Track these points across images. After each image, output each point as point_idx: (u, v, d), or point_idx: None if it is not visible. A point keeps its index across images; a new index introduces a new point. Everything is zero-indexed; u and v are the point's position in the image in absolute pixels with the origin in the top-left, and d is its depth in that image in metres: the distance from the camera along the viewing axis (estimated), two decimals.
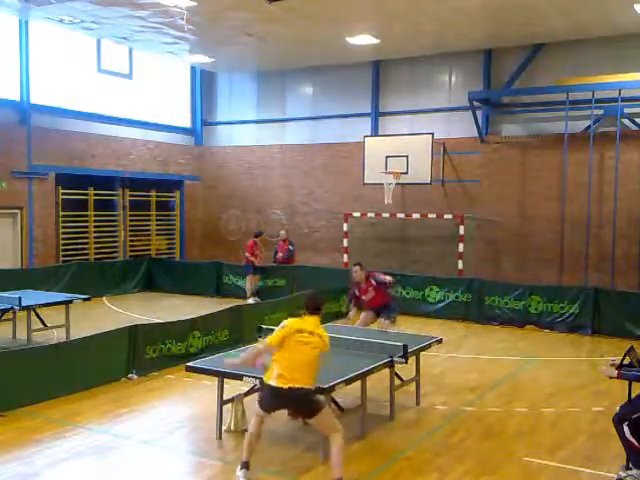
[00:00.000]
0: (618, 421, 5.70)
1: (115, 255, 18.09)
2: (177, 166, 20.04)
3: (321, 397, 5.84)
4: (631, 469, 5.74)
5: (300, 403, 5.61)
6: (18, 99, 15.79)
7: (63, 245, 16.80)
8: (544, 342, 11.97)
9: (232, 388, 7.26)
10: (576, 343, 11.91)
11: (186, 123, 20.73)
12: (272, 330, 5.93)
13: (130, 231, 18.62)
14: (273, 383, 5.50)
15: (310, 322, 5.75)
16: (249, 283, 15.81)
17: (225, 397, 6.95)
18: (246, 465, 5.68)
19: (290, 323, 5.75)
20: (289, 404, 5.75)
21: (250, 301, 14.80)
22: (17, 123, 15.72)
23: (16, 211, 15.75)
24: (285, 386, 5.45)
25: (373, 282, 9.88)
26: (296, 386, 5.45)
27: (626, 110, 14.78)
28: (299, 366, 5.51)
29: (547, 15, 13.45)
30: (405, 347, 7.11)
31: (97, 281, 15.90)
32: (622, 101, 14.44)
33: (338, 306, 13.66)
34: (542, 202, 15.98)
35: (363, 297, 10.01)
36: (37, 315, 10.81)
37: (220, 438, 6.84)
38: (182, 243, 20.31)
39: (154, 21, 14.38)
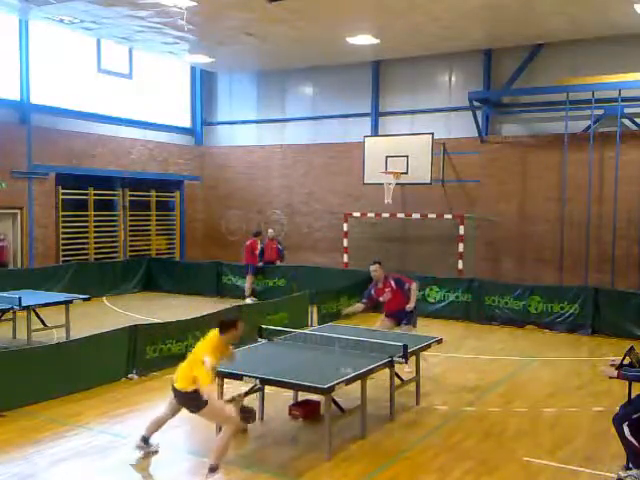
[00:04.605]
0: (618, 421, 5.70)
1: (115, 255, 18.09)
2: (177, 166, 20.04)
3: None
4: (631, 469, 5.74)
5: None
6: (18, 99, 15.79)
7: (63, 245, 16.80)
8: (544, 342, 11.97)
9: (232, 388, 7.26)
10: (576, 343, 11.90)
11: (186, 123, 20.73)
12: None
13: (130, 231, 18.62)
14: None
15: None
16: (248, 283, 15.82)
17: (225, 397, 6.95)
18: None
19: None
20: None
21: (248, 301, 14.79)
22: (17, 123, 15.72)
23: (16, 211, 15.75)
24: None
25: (392, 283, 9.34)
26: None
27: (626, 110, 14.79)
28: None
29: (547, 15, 13.45)
30: (405, 347, 7.10)
31: (97, 281, 15.89)
32: (622, 101, 14.44)
33: (338, 306, 13.67)
34: (542, 202, 15.99)
35: (380, 299, 9.41)
36: (37, 315, 10.81)
37: None
38: (182, 243, 20.31)
39: (154, 21, 14.39)
